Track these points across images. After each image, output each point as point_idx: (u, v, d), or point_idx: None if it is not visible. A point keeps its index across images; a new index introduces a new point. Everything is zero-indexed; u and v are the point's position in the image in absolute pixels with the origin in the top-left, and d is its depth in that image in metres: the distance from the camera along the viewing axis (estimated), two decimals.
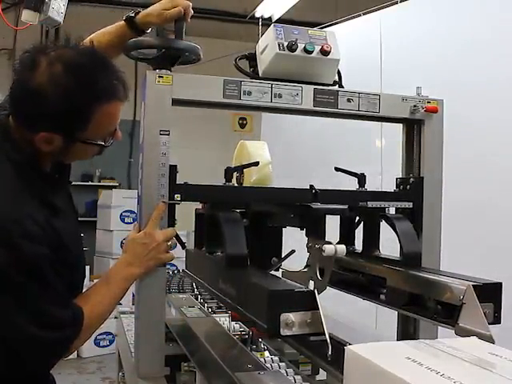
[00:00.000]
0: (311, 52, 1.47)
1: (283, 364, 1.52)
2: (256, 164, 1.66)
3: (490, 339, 1.01)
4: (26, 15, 1.78)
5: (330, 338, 1.04)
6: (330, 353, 1.03)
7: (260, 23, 5.70)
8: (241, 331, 1.84)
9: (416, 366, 0.74)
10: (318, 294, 1.08)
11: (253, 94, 1.46)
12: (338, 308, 2.38)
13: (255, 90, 1.46)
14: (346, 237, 1.62)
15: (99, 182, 6.82)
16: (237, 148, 1.89)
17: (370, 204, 1.55)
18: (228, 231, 1.36)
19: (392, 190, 1.67)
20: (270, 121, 4.39)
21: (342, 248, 1.12)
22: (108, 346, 4.98)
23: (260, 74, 1.53)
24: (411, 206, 1.59)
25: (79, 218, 1.43)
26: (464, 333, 1.10)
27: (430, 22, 3.05)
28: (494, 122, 2.58)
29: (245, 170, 1.72)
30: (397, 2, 3.30)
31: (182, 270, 2.23)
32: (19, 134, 1.18)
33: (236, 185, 1.71)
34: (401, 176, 1.68)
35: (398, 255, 1.49)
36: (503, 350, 0.82)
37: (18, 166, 1.16)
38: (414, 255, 1.45)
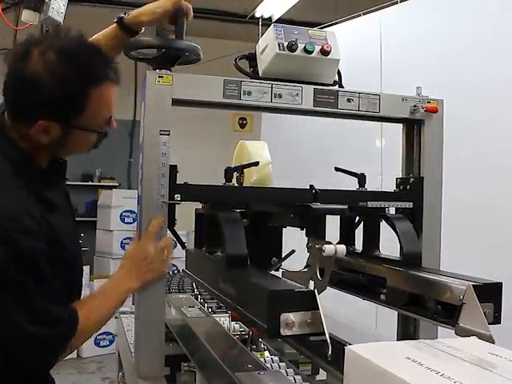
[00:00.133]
0: (311, 52, 1.47)
1: (283, 364, 1.52)
2: (256, 164, 1.66)
3: (490, 339, 1.01)
4: (26, 15, 1.79)
5: (330, 338, 1.04)
6: (330, 353, 1.03)
7: (260, 23, 5.70)
8: (241, 331, 1.84)
9: (416, 366, 0.74)
10: (318, 294, 1.08)
11: (253, 94, 1.46)
12: (338, 308, 2.38)
13: (255, 89, 1.46)
14: (346, 237, 1.62)
15: (99, 182, 6.82)
16: (237, 148, 1.89)
17: (370, 204, 1.55)
18: (228, 231, 1.36)
19: (392, 190, 1.67)
20: (270, 121, 4.39)
21: (342, 248, 1.12)
22: (108, 345, 4.98)
23: (260, 74, 1.53)
24: (411, 206, 1.59)
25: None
26: (464, 333, 1.10)
27: (430, 22, 3.05)
28: (493, 122, 2.57)
29: (245, 170, 1.72)
30: (397, 2, 3.30)
31: (182, 269, 2.23)
32: (15, 130, 1.18)
33: (236, 185, 1.71)
34: (401, 176, 1.68)
35: (398, 255, 1.50)
36: (503, 350, 0.82)
37: (14, 162, 1.16)
38: (414, 255, 1.45)
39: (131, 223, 5.31)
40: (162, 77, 1.38)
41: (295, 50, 1.46)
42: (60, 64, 1.12)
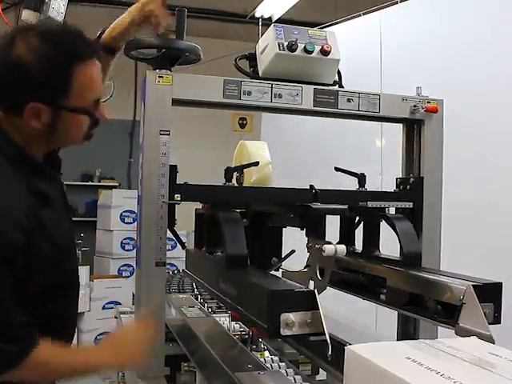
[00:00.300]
0: (311, 52, 1.47)
1: (283, 364, 1.52)
2: (256, 164, 1.66)
3: (490, 339, 1.01)
4: (26, 15, 1.78)
5: (330, 338, 1.04)
6: (330, 353, 1.03)
7: (260, 23, 5.70)
8: (241, 331, 1.84)
9: (416, 366, 0.74)
10: (318, 294, 1.08)
11: (253, 94, 1.46)
12: (338, 308, 2.39)
13: (255, 90, 1.46)
14: (346, 237, 1.62)
15: (99, 182, 6.80)
16: (237, 148, 1.89)
17: (370, 204, 1.55)
18: (228, 231, 1.36)
19: (392, 190, 1.67)
20: (270, 121, 4.39)
21: (342, 248, 1.12)
22: None
23: (260, 74, 1.53)
24: (411, 206, 1.59)
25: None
26: (464, 333, 1.10)
27: (430, 21, 3.05)
28: (493, 122, 2.57)
29: (245, 170, 1.72)
30: (397, 2, 3.30)
31: (182, 269, 2.24)
32: (8, 123, 1.19)
33: (236, 185, 1.71)
34: (401, 176, 1.68)
35: (398, 255, 1.50)
36: (503, 350, 0.82)
37: (8, 156, 1.16)
38: (414, 255, 1.46)
39: (131, 223, 5.30)
40: (162, 77, 1.38)
41: (295, 50, 1.46)
42: (43, 45, 1.15)
